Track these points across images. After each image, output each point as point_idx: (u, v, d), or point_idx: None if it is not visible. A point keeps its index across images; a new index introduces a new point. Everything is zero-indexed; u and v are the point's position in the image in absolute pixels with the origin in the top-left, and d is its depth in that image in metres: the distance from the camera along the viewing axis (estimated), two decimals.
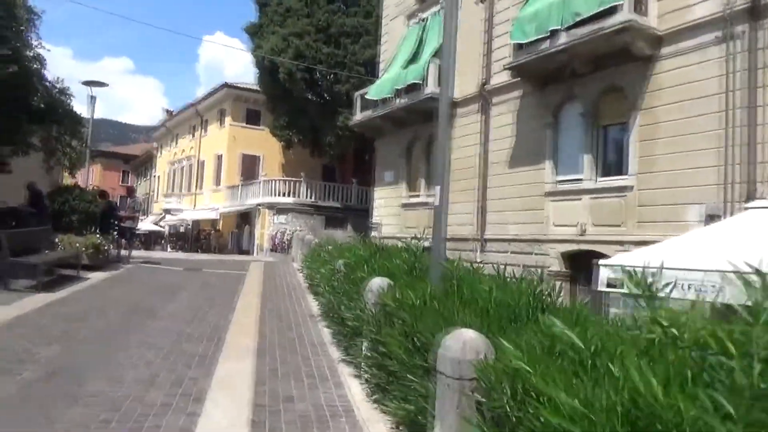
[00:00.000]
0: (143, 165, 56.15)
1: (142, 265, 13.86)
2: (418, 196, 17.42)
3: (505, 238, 13.75)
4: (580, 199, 11.88)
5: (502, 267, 6.38)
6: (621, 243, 10.81)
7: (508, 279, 5.68)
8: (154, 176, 49.36)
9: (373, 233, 19.62)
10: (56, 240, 11.04)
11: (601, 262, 7.03)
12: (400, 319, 4.29)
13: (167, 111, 46.88)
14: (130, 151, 64.01)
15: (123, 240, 13.68)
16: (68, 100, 13.08)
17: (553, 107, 12.65)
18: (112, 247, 12.58)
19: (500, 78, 14.20)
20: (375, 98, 17.92)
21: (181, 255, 20.22)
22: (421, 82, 16.13)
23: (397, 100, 17.18)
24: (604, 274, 6.80)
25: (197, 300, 9.55)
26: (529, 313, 3.92)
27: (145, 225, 46.93)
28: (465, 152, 15.43)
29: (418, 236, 7.24)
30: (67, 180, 26.61)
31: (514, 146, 13.68)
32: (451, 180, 16.36)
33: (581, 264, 11.90)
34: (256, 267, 15.44)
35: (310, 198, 27.51)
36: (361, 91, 19.65)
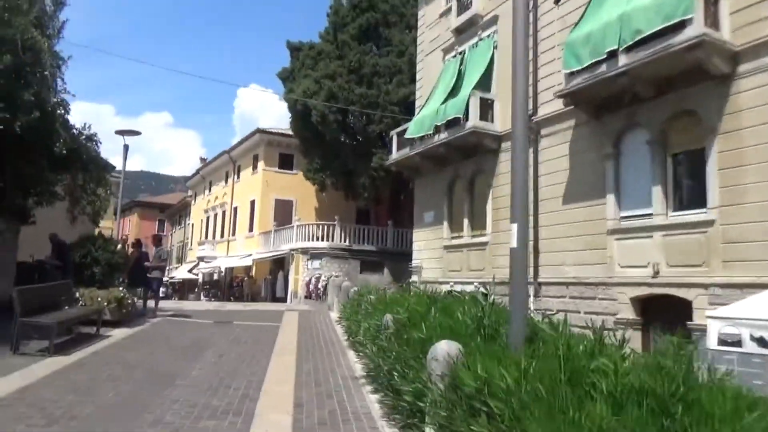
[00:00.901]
0: (178, 213, 56.51)
1: (170, 319, 12.94)
2: (461, 237, 16.25)
3: (562, 282, 12.42)
4: (650, 237, 10.55)
5: (594, 322, 5.24)
6: (704, 286, 9.42)
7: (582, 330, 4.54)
8: (189, 224, 49.40)
9: (413, 277, 18.44)
10: (77, 294, 10.22)
11: (711, 313, 5.73)
12: (485, 406, 3.14)
13: (202, 159, 47.26)
14: (166, 201, 64.79)
15: (150, 292, 12.83)
16: (95, 147, 12.53)
17: (614, 136, 11.48)
18: (136, 299, 11.74)
19: (550, 107, 13.14)
20: (413, 136, 17.03)
21: (212, 305, 19.35)
22: (461, 117, 15.18)
23: (437, 137, 16.25)
24: (715, 327, 5.51)
25: (225, 360, 8.50)
26: (680, 402, 2.74)
27: (179, 273, 46.72)
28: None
29: (486, 284, 6.06)
30: (100, 230, 26.39)
31: (568, 181, 12.49)
32: (498, 219, 15.22)
33: (655, 310, 10.51)
34: (291, 318, 14.38)
35: (345, 242, 26.59)
36: (398, 129, 18.84)
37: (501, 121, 14.90)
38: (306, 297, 24.26)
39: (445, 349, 4.11)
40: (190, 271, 41.36)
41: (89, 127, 12.51)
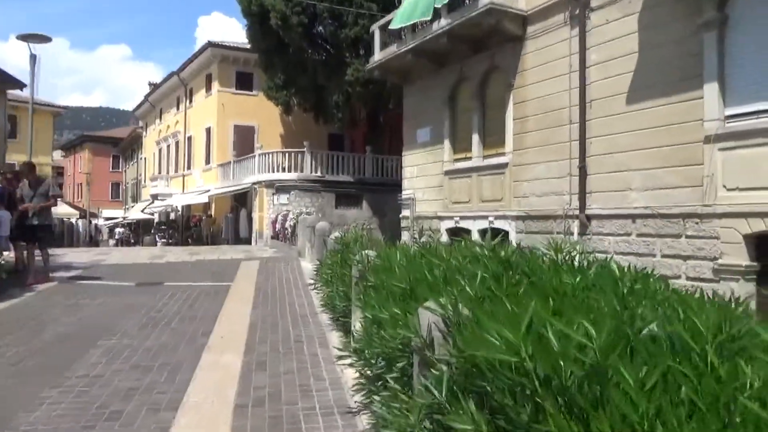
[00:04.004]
0: (130, 147, 51.29)
1: (71, 283, 9.08)
2: (469, 158, 12.50)
3: (625, 213, 8.90)
4: None
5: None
6: None
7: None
8: (141, 158, 44.50)
9: (404, 212, 14.83)
10: None
11: None
12: None
13: (150, 84, 41.74)
14: (119, 134, 59.20)
15: (33, 245, 8.75)
16: None
17: None
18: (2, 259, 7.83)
19: None
20: (403, 24, 12.87)
21: (151, 253, 15.47)
22: None
23: (435, 25, 12.17)
24: None
25: (114, 372, 4.80)
26: None
27: (132, 214, 42.29)
28: (545, 89, 10.49)
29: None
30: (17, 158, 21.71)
31: (637, 69, 8.73)
32: (523, 132, 11.40)
33: None
34: (247, 273, 10.67)
35: (316, 172, 22.68)
36: (381, 22, 14.60)
37: None
38: (273, 237, 20.57)
39: None
40: (143, 210, 37.07)
41: None
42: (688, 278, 7.85)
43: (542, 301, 2.30)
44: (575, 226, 9.71)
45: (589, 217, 9.52)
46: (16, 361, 5.14)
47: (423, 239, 6.64)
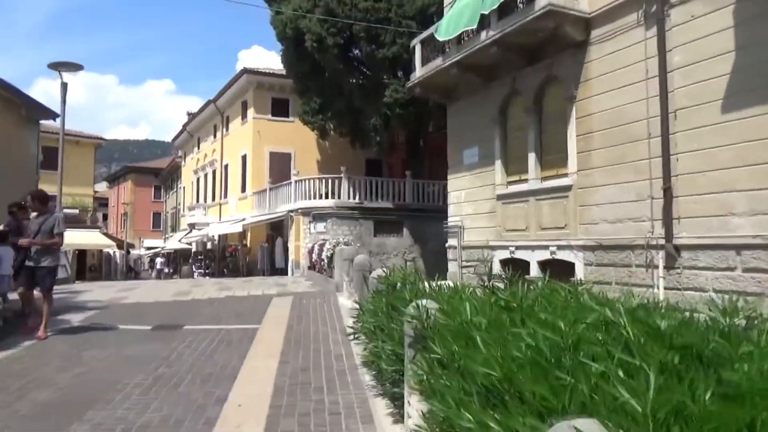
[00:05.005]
0: (170, 177, 51.56)
1: (75, 332, 8.02)
2: (525, 181, 11.14)
3: (726, 243, 7.39)
4: None
5: None
6: None
7: None
8: (180, 188, 44.47)
9: (451, 240, 13.50)
10: None
11: None
12: None
13: (188, 114, 41.81)
14: (160, 165, 59.91)
15: (38, 289, 7.71)
16: None
17: None
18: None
19: None
20: (447, 37, 11.73)
21: (179, 288, 14.47)
22: None
23: (483, 34, 11.00)
24: None
25: None
26: None
27: (171, 243, 42.02)
28: (615, 99, 9.13)
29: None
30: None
31: (735, 70, 7.31)
32: (588, 149, 9.92)
33: None
34: (278, 312, 9.49)
35: (354, 199, 21.65)
36: (423, 35, 13.49)
37: None
38: (309, 268, 19.48)
39: None
40: (180, 240, 36.66)
41: None
42: None
43: None
44: (660, 258, 8.21)
45: (678, 248, 8.02)
46: None
47: (486, 279, 5.31)
